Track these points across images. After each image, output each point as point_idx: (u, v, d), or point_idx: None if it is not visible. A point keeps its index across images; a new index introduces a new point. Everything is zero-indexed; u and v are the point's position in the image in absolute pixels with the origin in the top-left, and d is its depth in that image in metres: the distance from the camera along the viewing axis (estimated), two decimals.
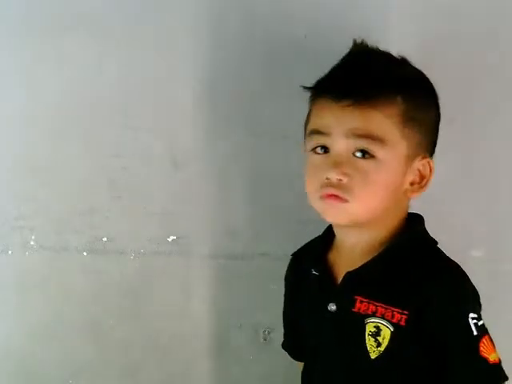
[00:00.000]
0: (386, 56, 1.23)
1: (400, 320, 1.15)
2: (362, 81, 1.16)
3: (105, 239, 1.58)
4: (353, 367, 1.22)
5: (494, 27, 1.51)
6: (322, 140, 1.18)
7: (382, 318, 1.17)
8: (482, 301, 1.53)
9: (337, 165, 1.16)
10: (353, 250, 1.24)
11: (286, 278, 1.40)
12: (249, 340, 1.59)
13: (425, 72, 1.24)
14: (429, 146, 1.23)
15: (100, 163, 1.56)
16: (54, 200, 1.57)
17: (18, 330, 1.60)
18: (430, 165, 1.22)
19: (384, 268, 1.19)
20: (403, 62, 1.24)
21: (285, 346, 1.44)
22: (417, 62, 1.24)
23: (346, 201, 1.16)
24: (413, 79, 1.21)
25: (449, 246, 1.47)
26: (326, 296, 1.24)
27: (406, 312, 1.15)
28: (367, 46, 1.23)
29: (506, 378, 1.15)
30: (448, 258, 1.21)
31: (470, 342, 1.13)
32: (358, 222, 1.21)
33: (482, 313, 1.19)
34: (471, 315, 1.14)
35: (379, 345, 1.17)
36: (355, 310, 1.19)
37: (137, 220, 1.58)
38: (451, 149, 1.50)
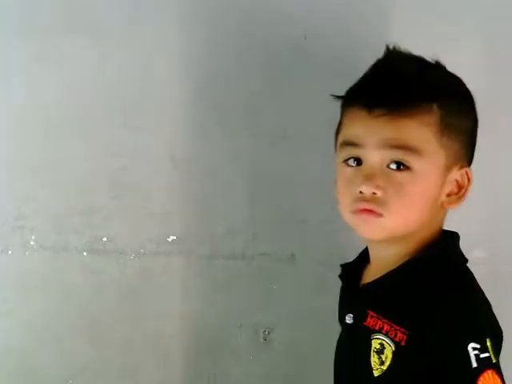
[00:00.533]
0: (420, 61, 1.18)
1: (401, 340, 1.11)
2: (396, 88, 1.11)
3: (105, 239, 1.58)
4: (358, 382, 1.20)
5: (495, 28, 1.51)
6: (354, 152, 1.14)
7: (386, 335, 1.13)
8: None
9: (370, 178, 1.11)
10: (381, 263, 1.19)
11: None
12: (249, 340, 1.59)
13: None
14: (467, 154, 1.18)
15: (100, 163, 1.56)
16: (54, 200, 1.57)
17: (18, 330, 1.59)
18: (467, 175, 1.17)
19: (396, 283, 1.15)
20: (437, 66, 1.19)
21: None
22: None
23: (380, 215, 1.11)
24: (448, 84, 1.17)
25: None
26: (346, 308, 1.23)
27: (407, 332, 1.10)
28: (400, 51, 1.18)
29: None
30: (464, 283, 1.14)
31: (467, 374, 1.05)
32: (394, 237, 1.15)
33: None
34: (472, 345, 1.05)
35: (382, 363, 1.13)
36: (366, 323, 1.16)
37: (137, 220, 1.58)
38: None
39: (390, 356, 1.12)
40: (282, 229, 1.56)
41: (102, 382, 1.61)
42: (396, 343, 1.11)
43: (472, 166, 1.52)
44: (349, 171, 1.15)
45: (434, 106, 1.12)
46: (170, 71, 1.54)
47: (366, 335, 1.15)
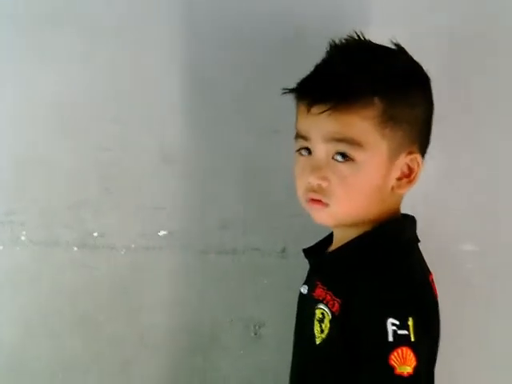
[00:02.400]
0: (370, 51, 1.21)
1: (335, 308, 1.17)
2: (334, 86, 1.15)
3: (95, 234, 1.58)
4: (304, 349, 1.27)
5: (484, 21, 1.51)
6: (304, 144, 1.20)
7: (327, 305, 1.19)
8: (472, 294, 1.56)
9: (316, 169, 1.18)
10: (336, 244, 1.27)
11: None
12: (239, 335, 1.59)
13: None
14: (416, 141, 1.21)
15: (90, 158, 1.56)
16: (45, 195, 1.57)
17: (9, 325, 1.60)
18: (416, 160, 1.21)
19: (341, 258, 1.23)
20: (390, 55, 1.21)
21: None
22: None
23: (326, 205, 1.19)
24: (395, 75, 1.18)
25: (440, 240, 1.50)
26: (305, 280, 1.30)
27: (339, 301, 1.17)
28: (352, 40, 1.22)
29: None
30: (401, 261, 1.19)
31: (381, 347, 1.10)
32: (344, 223, 1.23)
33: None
34: (391, 320, 1.10)
35: (322, 331, 1.19)
36: (315, 294, 1.23)
37: (127, 215, 1.58)
38: (440, 145, 1.51)
39: (328, 325, 1.18)
40: (273, 223, 1.56)
41: (92, 376, 1.61)
42: (332, 312, 1.18)
43: (461, 161, 1.55)
44: (302, 160, 1.21)
45: (376, 99, 1.16)
46: (160, 65, 1.54)
47: (313, 305, 1.22)
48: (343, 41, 1.22)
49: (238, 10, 1.52)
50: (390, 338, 1.09)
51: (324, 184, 1.17)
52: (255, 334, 1.60)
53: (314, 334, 1.21)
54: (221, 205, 1.57)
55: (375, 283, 1.15)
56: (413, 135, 1.20)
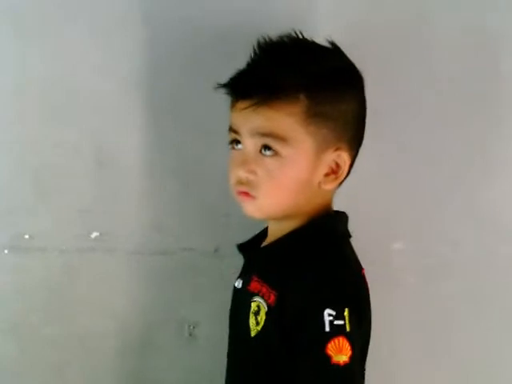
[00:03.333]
0: (300, 50, 1.23)
1: (271, 300, 1.19)
2: (261, 81, 1.18)
3: (26, 236, 1.56)
4: (238, 343, 1.29)
5: (422, 14, 1.54)
6: (235, 137, 1.23)
7: (262, 297, 1.21)
8: (405, 293, 1.59)
9: (244, 163, 1.21)
10: (270, 237, 1.30)
11: None
12: (174, 336, 1.59)
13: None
14: (343, 139, 1.23)
15: (23, 159, 1.54)
16: None
17: None
18: (343, 157, 1.23)
19: (276, 251, 1.25)
20: (322, 53, 1.23)
21: None
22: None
23: (254, 198, 1.22)
24: (322, 73, 1.20)
25: (372, 238, 1.52)
26: (240, 274, 1.32)
27: (273, 291, 1.20)
28: (281, 38, 1.23)
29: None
30: (334, 254, 1.23)
31: (318, 337, 1.12)
32: (272, 216, 1.26)
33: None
34: (328, 311, 1.13)
35: (258, 323, 1.21)
36: (250, 288, 1.25)
37: (60, 217, 1.56)
38: (374, 144, 1.53)
39: (263, 317, 1.20)
40: (206, 223, 1.56)
41: (25, 381, 1.59)
42: (268, 305, 1.20)
43: (394, 159, 1.57)
44: (234, 153, 1.25)
45: (301, 96, 1.18)
46: (96, 66, 1.52)
47: (248, 298, 1.24)
48: (273, 39, 1.23)
49: (170, 8, 1.51)
50: (327, 328, 1.12)
51: (251, 177, 1.20)
52: (190, 335, 1.60)
53: (248, 327, 1.22)
54: (153, 205, 1.56)
55: (311, 274, 1.17)
56: (340, 132, 1.22)
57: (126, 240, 1.57)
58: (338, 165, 1.23)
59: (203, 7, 1.52)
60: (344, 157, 1.23)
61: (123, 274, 1.58)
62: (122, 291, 1.59)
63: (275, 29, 1.24)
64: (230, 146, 1.26)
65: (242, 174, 1.21)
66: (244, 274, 1.31)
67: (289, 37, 1.24)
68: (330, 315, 1.12)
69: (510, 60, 1.55)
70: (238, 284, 1.30)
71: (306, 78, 1.18)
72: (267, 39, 1.23)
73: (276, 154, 1.18)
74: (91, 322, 1.59)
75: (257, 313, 1.21)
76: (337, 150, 1.22)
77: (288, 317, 1.16)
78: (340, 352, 1.12)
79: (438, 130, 1.56)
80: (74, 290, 1.58)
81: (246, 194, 1.22)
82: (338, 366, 1.11)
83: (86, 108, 1.54)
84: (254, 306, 1.22)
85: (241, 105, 1.19)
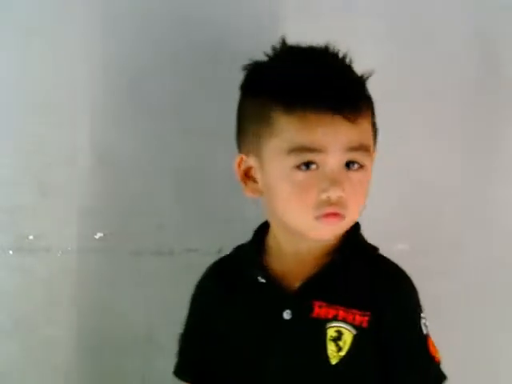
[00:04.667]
0: (341, 57, 1.18)
1: (362, 322, 1.14)
2: (358, 89, 1.13)
3: (31, 237, 1.56)
4: (311, 374, 1.17)
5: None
6: (310, 157, 1.09)
7: (344, 321, 1.14)
8: None
9: (337, 182, 1.10)
10: (303, 258, 1.19)
11: (204, 290, 1.31)
12: (176, 335, 1.58)
13: None
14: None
15: (24, 160, 1.55)
16: None
17: None
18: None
19: (339, 272, 1.18)
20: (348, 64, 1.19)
21: (184, 370, 1.32)
22: None
23: (343, 217, 1.13)
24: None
25: (374, 239, 1.52)
26: (277, 304, 1.18)
27: (367, 313, 1.15)
28: (320, 48, 1.17)
29: (446, 377, 1.18)
30: (394, 262, 1.23)
31: (422, 341, 1.16)
32: None
33: None
34: (422, 315, 1.17)
35: (340, 349, 1.14)
36: (314, 315, 1.16)
37: (63, 218, 1.57)
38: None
39: (349, 341, 1.14)
40: (209, 224, 1.57)
41: (29, 380, 1.59)
42: (356, 327, 1.14)
43: (395, 159, 1.57)
44: (302, 176, 1.10)
45: (372, 104, 1.17)
46: (95, 67, 1.54)
47: (317, 326, 1.15)
48: (301, 46, 1.18)
49: (170, 10, 1.52)
50: (424, 331, 1.17)
51: (344, 195, 1.10)
52: None
53: (326, 355, 1.14)
54: (157, 206, 1.57)
55: (401, 288, 1.19)
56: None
57: (130, 240, 1.58)
58: None
59: (203, 7, 1.52)
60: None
61: (127, 274, 1.59)
62: (126, 292, 1.59)
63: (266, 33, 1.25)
64: (293, 168, 1.11)
65: (336, 193, 1.09)
66: (289, 304, 1.18)
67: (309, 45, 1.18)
68: (423, 318, 1.17)
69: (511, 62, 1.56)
70: (287, 315, 1.17)
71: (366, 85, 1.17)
72: (296, 46, 1.18)
73: (361, 166, 1.13)
74: (94, 322, 1.59)
75: (338, 338, 1.14)
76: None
77: (386, 333, 1.15)
78: (436, 350, 1.18)
79: (440, 131, 1.56)
80: (78, 291, 1.59)
81: (336, 215, 1.11)
82: (439, 363, 1.17)
83: (85, 108, 1.55)
84: (331, 332, 1.15)
85: (339, 115, 1.08)
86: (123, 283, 1.59)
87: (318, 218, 1.11)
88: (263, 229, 1.26)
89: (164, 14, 1.53)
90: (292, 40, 1.20)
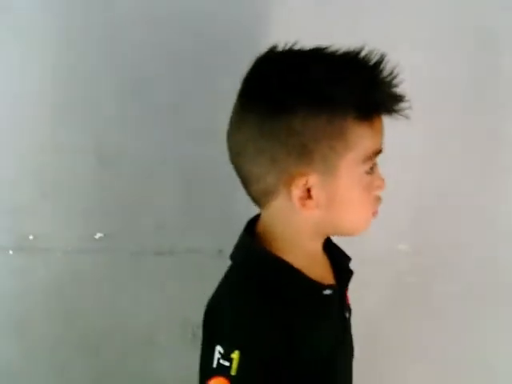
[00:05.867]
0: (381, 59, 1.14)
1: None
2: (399, 89, 1.10)
3: (31, 237, 1.56)
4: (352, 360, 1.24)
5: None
6: (375, 159, 1.11)
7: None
8: (407, 292, 1.59)
9: (383, 180, 1.14)
10: (319, 257, 1.19)
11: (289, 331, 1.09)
12: (177, 336, 1.60)
13: None
14: None
15: (25, 160, 1.55)
16: None
17: None
18: None
19: (339, 261, 1.21)
20: None
21: None
22: None
23: None
24: None
25: (376, 239, 1.53)
26: (341, 307, 1.18)
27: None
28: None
29: None
30: None
31: (206, 370, 1.07)
32: None
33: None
34: (218, 348, 1.05)
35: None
36: (346, 305, 1.21)
37: (63, 218, 1.57)
38: None
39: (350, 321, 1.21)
40: (211, 224, 1.57)
41: (28, 381, 1.60)
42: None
43: (398, 159, 1.57)
44: (367, 178, 1.09)
45: None
46: (98, 67, 1.53)
47: (350, 312, 1.22)
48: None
49: (173, 9, 1.52)
50: (214, 365, 1.06)
51: None
52: (193, 336, 1.60)
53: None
54: (157, 206, 1.57)
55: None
56: None
57: (130, 241, 1.58)
58: None
59: (206, 8, 1.52)
60: None
61: (127, 274, 1.59)
62: (126, 292, 1.59)
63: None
64: (364, 173, 1.09)
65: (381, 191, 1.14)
66: (341, 302, 1.19)
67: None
68: (219, 353, 1.07)
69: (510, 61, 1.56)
70: (347, 314, 1.20)
71: None
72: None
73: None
74: (95, 322, 1.59)
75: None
76: None
77: None
78: None
79: (440, 131, 1.56)
80: (78, 291, 1.59)
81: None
82: None
83: (86, 108, 1.55)
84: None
85: (395, 116, 1.08)
86: (123, 283, 1.59)
87: (374, 213, 1.14)
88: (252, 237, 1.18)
89: (167, 15, 1.52)
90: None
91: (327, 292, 1.13)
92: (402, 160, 1.58)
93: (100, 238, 1.57)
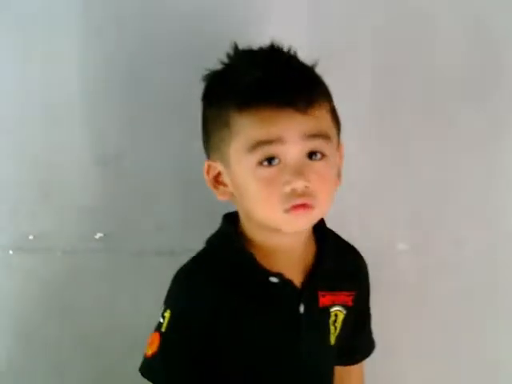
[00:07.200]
0: (286, 52, 1.19)
1: (348, 301, 1.26)
2: (308, 80, 1.14)
3: (31, 237, 1.56)
4: (324, 358, 1.27)
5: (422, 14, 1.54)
6: (271, 150, 1.10)
7: (339, 305, 1.25)
8: (406, 292, 1.59)
9: (300, 172, 1.10)
10: (291, 252, 1.21)
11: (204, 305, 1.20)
12: None
13: None
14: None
15: (26, 160, 1.55)
16: None
17: None
18: (341, 152, 1.23)
19: (329, 260, 1.23)
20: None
21: None
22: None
23: (313, 208, 1.12)
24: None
25: (376, 238, 1.53)
26: (292, 300, 1.20)
27: (352, 293, 1.27)
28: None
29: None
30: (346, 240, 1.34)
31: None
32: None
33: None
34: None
35: (335, 330, 1.25)
36: (320, 305, 1.22)
37: (64, 218, 1.57)
38: (377, 142, 1.54)
39: (340, 321, 1.25)
40: (210, 224, 1.56)
41: (28, 380, 1.59)
42: (346, 307, 1.26)
43: (397, 159, 1.58)
44: (266, 172, 1.11)
45: (329, 92, 1.19)
46: (96, 66, 1.53)
47: (323, 314, 1.24)
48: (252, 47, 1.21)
49: (173, 8, 1.52)
50: None
51: (310, 185, 1.11)
52: None
53: (330, 338, 1.26)
54: (157, 206, 1.57)
55: (365, 262, 1.34)
56: (339, 127, 1.22)
57: (130, 241, 1.58)
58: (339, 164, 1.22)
59: (203, 6, 1.52)
60: (342, 152, 1.23)
61: (127, 274, 1.59)
62: (126, 292, 1.59)
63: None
64: (257, 165, 1.12)
65: (301, 184, 1.10)
66: (302, 298, 1.21)
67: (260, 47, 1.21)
68: None
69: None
70: (302, 309, 1.20)
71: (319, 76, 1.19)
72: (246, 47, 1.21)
73: (323, 155, 1.13)
74: (95, 322, 1.59)
75: (334, 321, 1.25)
76: (339, 146, 1.22)
77: (362, 303, 1.33)
78: None
79: (440, 130, 1.56)
80: (78, 291, 1.59)
81: (305, 205, 1.11)
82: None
83: (85, 108, 1.55)
84: (332, 316, 1.25)
85: (294, 107, 1.09)
86: (123, 283, 1.59)
87: (287, 210, 1.12)
88: (232, 227, 1.25)
89: (166, 12, 1.52)
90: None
91: (273, 279, 1.18)
92: (401, 160, 1.58)
93: (100, 237, 1.57)
